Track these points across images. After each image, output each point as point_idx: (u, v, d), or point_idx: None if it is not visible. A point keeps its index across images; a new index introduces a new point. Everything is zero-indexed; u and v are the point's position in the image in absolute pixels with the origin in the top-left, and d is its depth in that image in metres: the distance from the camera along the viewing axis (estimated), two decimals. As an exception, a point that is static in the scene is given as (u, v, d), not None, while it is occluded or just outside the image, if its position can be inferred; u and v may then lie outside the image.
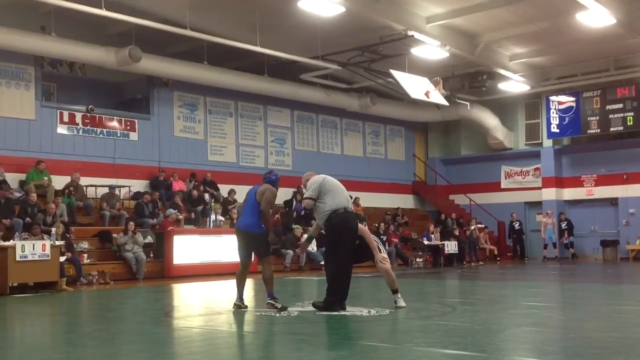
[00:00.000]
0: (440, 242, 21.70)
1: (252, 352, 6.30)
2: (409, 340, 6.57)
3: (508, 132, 26.02)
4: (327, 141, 24.50)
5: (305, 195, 8.59)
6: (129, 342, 6.83)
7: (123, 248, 15.57)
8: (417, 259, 21.13)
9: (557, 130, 24.39)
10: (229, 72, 19.94)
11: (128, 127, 19.22)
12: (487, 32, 19.41)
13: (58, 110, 17.98)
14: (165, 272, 16.24)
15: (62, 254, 13.42)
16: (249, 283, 13.34)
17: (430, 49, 18.82)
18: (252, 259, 8.96)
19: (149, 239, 16.56)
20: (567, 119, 24.04)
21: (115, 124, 18.96)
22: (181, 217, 17.31)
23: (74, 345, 6.78)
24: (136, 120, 19.44)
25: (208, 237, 17.04)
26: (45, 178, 16.56)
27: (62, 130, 17.94)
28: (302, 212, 19.88)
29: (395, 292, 8.69)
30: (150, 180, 19.20)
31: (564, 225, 24.10)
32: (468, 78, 21.94)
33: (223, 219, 18.28)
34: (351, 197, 10.34)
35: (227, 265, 15.42)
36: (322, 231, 8.83)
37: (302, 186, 10.14)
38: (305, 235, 10.58)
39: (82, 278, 14.17)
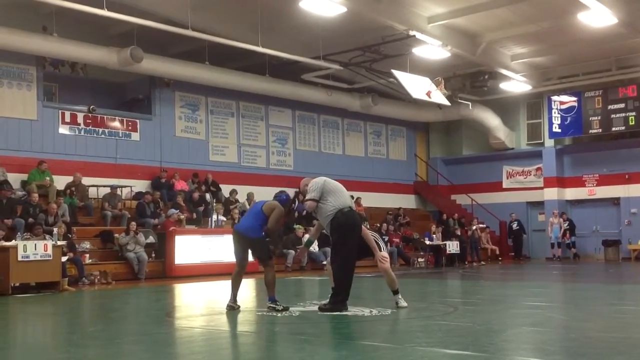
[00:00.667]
0: (441, 242, 21.69)
1: (254, 352, 6.30)
2: (411, 340, 6.57)
3: (510, 132, 26.01)
4: (329, 141, 24.50)
5: (307, 197, 8.56)
6: (130, 342, 6.84)
7: (125, 248, 15.58)
8: (419, 259, 21.12)
9: (559, 130, 24.38)
10: (230, 72, 19.94)
11: (130, 128, 19.23)
12: (488, 32, 19.40)
13: (60, 111, 17.99)
14: (167, 272, 16.25)
15: (64, 254, 13.42)
16: (251, 283, 13.37)
17: (432, 49, 18.82)
18: (248, 261, 8.93)
19: (151, 239, 16.56)
20: (568, 118, 24.03)
21: (116, 124, 18.97)
22: (183, 217, 17.32)
23: (75, 345, 6.78)
24: (138, 121, 19.45)
25: (209, 237, 17.04)
26: (47, 178, 16.58)
27: (63, 130, 17.95)
28: (304, 212, 19.87)
29: (395, 292, 8.68)
30: (152, 180, 19.21)
31: (565, 225, 24.08)
32: (469, 78, 21.92)
33: (225, 219, 18.28)
34: (352, 197, 10.33)
35: (229, 266, 15.31)
36: (324, 231, 8.82)
37: (300, 193, 10.13)
38: (306, 236, 10.57)
39: (84, 278, 14.18)
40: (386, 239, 20.19)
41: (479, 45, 19.81)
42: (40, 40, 16.49)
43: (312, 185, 8.53)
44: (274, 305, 8.48)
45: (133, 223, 15.91)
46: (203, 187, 19.70)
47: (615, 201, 24.26)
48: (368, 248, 8.65)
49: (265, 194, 18.29)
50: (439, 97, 19.18)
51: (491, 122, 25.44)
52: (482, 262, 22.77)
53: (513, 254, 24.84)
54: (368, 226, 9.24)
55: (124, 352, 6.28)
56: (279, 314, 8.23)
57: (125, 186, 18.41)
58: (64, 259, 13.20)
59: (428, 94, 18.70)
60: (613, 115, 23.10)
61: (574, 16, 17.22)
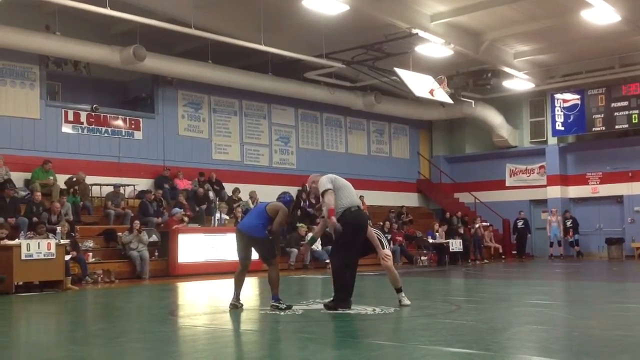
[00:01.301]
0: (445, 241, 21.68)
1: (257, 351, 6.30)
2: (414, 338, 6.57)
3: (513, 130, 25.98)
4: (332, 139, 24.50)
5: (323, 189, 8.35)
6: (134, 341, 6.85)
7: (128, 247, 15.60)
8: (422, 257, 21.11)
9: (562, 128, 24.34)
10: (233, 70, 19.94)
11: (133, 126, 19.24)
12: (491, 30, 19.38)
13: (63, 110, 18.01)
14: (170, 271, 16.28)
15: (67, 253, 13.44)
16: (254, 281, 13.38)
17: (435, 47, 18.80)
18: (251, 260, 8.92)
19: (154, 238, 16.58)
20: (572, 116, 23.99)
21: (119, 122, 18.98)
22: (186, 219, 17.27)
23: (79, 343, 6.79)
24: (141, 119, 19.46)
25: (213, 236, 17.05)
26: (51, 177, 16.59)
27: (67, 129, 17.97)
28: (311, 210, 19.90)
29: (399, 290, 8.67)
30: (156, 178, 19.22)
31: (569, 223, 24.05)
32: (472, 76, 21.88)
33: (228, 217, 18.29)
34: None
35: (232, 264, 15.30)
36: (328, 229, 8.81)
37: (308, 187, 10.10)
38: (310, 235, 10.57)
39: (87, 277, 14.20)
40: (389, 237, 20.21)
41: (481, 43, 19.78)
42: (43, 39, 16.51)
43: (323, 180, 8.47)
44: (277, 304, 8.48)
45: (137, 222, 15.92)
46: (206, 186, 19.70)
47: (618, 199, 24.22)
48: (370, 245, 8.65)
49: (268, 192, 18.36)
50: (441, 95, 19.16)
51: (494, 120, 25.42)
52: (485, 261, 22.75)
53: (516, 252, 24.82)
54: (371, 224, 9.20)
55: (127, 350, 6.29)
56: (282, 313, 8.23)
57: (128, 185, 18.43)
58: (67, 257, 13.21)
59: (431, 92, 18.67)
60: (616, 113, 23.05)
61: (577, 14, 17.19)
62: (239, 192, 19.95)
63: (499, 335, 6.68)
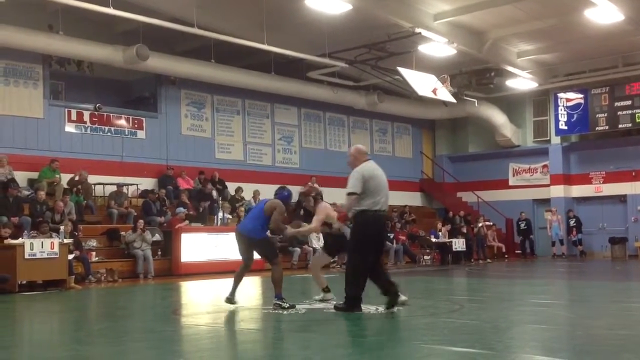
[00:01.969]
0: (448, 240, 21.68)
1: (260, 350, 6.30)
2: (417, 337, 6.57)
3: (516, 129, 25.94)
4: (335, 139, 24.49)
5: (349, 189, 7.86)
6: (137, 340, 6.86)
7: (131, 246, 15.61)
8: (425, 257, 21.12)
9: (565, 127, 24.30)
10: (236, 70, 19.94)
11: (136, 125, 19.25)
12: (494, 29, 19.34)
13: (66, 109, 18.03)
14: (173, 270, 16.30)
15: (71, 252, 13.47)
16: (258, 281, 13.39)
17: (438, 46, 18.78)
18: (254, 260, 8.92)
19: (157, 237, 16.60)
20: (575, 115, 23.95)
21: (122, 122, 19.00)
22: (187, 220, 17.21)
23: (82, 342, 6.80)
24: (144, 119, 19.47)
25: (216, 235, 17.06)
26: (57, 176, 16.61)
27: (70, 128, 17.98)
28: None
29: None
30: (159, 178, 19.23)
31: (572, 222, 24.02)
32: (475, 75, 21.84)
33: (231, 217, 18.30)
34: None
35: (235, 263, 15.31)
36: (335, 226, 8.77)
37: (313, 184, 9.97)
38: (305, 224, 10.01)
39: (90, 276, 14.22)
40: (392, 236, 20.21)
41: (485, 42, 19.75)
42: (46, 38, 16.53)
43: (357, 174, 7.90)
44: (280, 303, 8.48)
45: (141, 221, 15.94)
46: (209, 185, 19.69)
47: (621, 198, 24.17)
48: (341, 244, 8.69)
49: (271, 191, 18.21)
50: (444, 94, 19.15)
51: (497, 120, 25.39)
52: (488, 260, 22.75)
53: (520, 251, 24.79)
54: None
55: (130, 349, 6.30)
56: (286, 312, 8.23)
57: (131, 184, 18.45)
58: (70, 256, 13.24)
59: (434, 91, 18.66)
60: (620, 112, 23.00)
61: (581, 13, 17.16)
62: (242, 191, 19.96)
63: (502, 334, 6.68)
